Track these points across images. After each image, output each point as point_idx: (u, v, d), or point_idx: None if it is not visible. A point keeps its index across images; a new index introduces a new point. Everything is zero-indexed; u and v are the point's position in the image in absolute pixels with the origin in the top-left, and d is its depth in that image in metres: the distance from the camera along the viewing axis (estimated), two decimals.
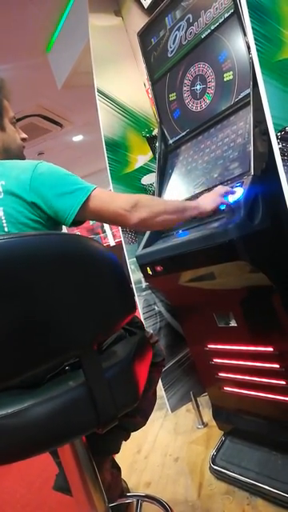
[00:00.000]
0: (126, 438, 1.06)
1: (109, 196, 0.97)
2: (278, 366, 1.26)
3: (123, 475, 1.43)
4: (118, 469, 1.32)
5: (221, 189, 1.16)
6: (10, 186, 0.92)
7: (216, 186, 1.27)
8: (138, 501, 1.33)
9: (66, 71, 3.14)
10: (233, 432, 1.60)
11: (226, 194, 1.15)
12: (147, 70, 1.72)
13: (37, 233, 0.89)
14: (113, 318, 0.75)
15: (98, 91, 1.91)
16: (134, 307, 0.82)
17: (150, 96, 1.78)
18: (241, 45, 1.31)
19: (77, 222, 0.96)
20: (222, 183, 1.28)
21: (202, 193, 1.35)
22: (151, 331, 1.22)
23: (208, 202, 1.12)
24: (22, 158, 1.12)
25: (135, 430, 1.05)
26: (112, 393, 0.73)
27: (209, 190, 1.33)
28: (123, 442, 1.11)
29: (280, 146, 1.12)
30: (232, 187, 1.20)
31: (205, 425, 1.89)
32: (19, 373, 0.66)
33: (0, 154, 1.08)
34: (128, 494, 1.37)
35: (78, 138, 5.83)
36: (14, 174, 0.94)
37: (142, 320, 1.81)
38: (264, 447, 1.44)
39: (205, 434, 1.83)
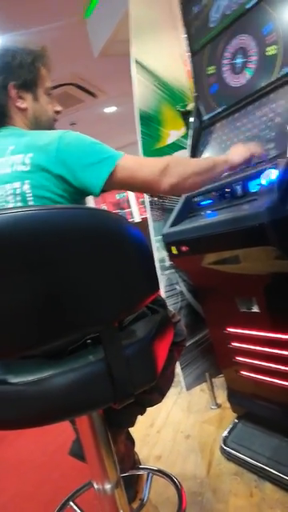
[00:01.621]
0: (142, 413, 1.08)
1: (137, 163, 0.93)
2: None
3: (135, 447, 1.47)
4: (132, 441, 1.35)
5: (253, 147, 1.11)
6: (37, 158, 0.90)
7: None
8: (148, 474, 1.37)
9: (103, 39, 3.05)
10: (246, 416, 1.61)
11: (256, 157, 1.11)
12: (187, 40, 1.64)
13: (64, 206, 0.88)
14: (136, 297, 0.75)
15: (135, 61, 1.85)
16: (157, 287, 0.81)
17: (188, 68, 1.71)
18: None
19: (104, 190, 0.94)
20: (255, 164, 1.24)
21: (233, 174, 1.30)
22: (173, 310, 1.21)
23: (237, 154, 1.07)
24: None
25: (151, 405, 1.06)
26: (130, 370, 0.73)
27: (241, 170, 1.28)
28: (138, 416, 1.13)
29: None
30: (266, 169, 1.15)
31: (218, 406, 1.91)
32: (40, 343, 0.67)
33: (30, 124, 1.06)
34: (140, 467, 1.40)
35: (110, 110, 5.75)
36: (41, 146, 0.92)
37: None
38: (276, 433, 1.44)
39: (217, 415, 1.85)
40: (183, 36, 1.66)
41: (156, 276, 0.81)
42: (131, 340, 0.77)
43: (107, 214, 0.73)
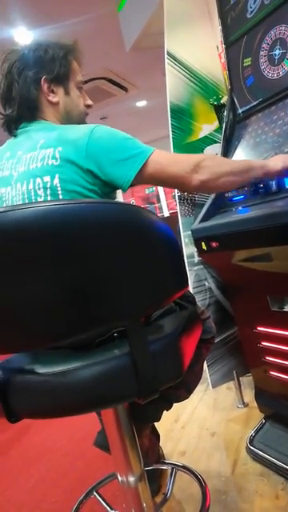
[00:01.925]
0: (168, 408, 1.07)
1: (168, 158, 0.93)
2: None
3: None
4: (157, 436, 1.35)
5: None
6: (67, 152, 0.90)
7: None
8: (172, 469, 1.37)
9: (135, 32, 3.03)
10: (274, 416, 1.57)
11: None
12: (222, 31, 1.60)
13: (93, 200, 0.88)
14: (163, 293, 0.74)
15: (168, 54, 1.83)
16: (186, 283, 0.80)
17: (223, 60, 1.67)
18: None
19: (133, 185, 0.94)
20: None
21: None
22: (203, 307, 1.20)
23: (277, 161, 1.03)
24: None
25: (178, 401, 1.06)
26: (155, 366, 0.72)
27: None
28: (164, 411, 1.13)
29: None
30: None
31: (245, 405, 1.88)
32: (67, 335, 0.68)
33: (61, 118, 1.07)
34: (164, 461, 1.40)
35: (141, 104, 5.74)
36: (71, 140, 0.92)
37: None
38: None
39: (244, 414, 1.82)
40: (218, 27, 1.62)
41: (185, 272, 0.80)
42: (157, 335, 0.77)
43: (136, 208, 0.72)
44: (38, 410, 0.73)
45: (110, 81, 4.49)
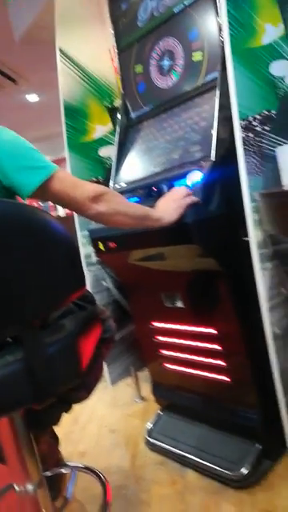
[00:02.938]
0: (67, 410, 1.06)
1: (72, 181, 0.94)
2: (219, 347, 1.31)
3: None
4: (56, 438, 1.33)
5: (181, 193, 1.14)
6: None
7: (174, 167, 1.26)
8: (72, 471, 1.35)
9: (25, 23, 2.90)
10: (170, 407, 1.66)
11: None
12: (114, 36, 1.64)
13: None
14: (59, 294, 0.74)
15: (60, 51, 1.80)
16: (82, 283, 0.80)
17: (115, 65, 1.71)
18: (213, 25, 1.26)
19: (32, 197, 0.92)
20: (181, 165, 1.28)
21: (160, 173, 1.34)
22: (103, 307, 1.21)
23: (171, 213, 1.09)
24: None
25: (77, 402, 1.05)
26: (52, 369, 0.72)
27: (167, 170, 1.32)
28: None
29: (243, 135, 1.13)
30: (191, 170, 1.19)
31: (143, 399, 1.95)
32: None
33: None
34: (63, 464, 1.38)
35: (33, 98, 5.54)
36: None
37: None
38: (199, 422, 1.50)
39: (142, 408, 1.89)
40: (111, 31, 1.65)
41: (82, 272, 0.80)
42: (54, 338, 0.76)
43: (28, 207, 0.71)
44: None
45: None
